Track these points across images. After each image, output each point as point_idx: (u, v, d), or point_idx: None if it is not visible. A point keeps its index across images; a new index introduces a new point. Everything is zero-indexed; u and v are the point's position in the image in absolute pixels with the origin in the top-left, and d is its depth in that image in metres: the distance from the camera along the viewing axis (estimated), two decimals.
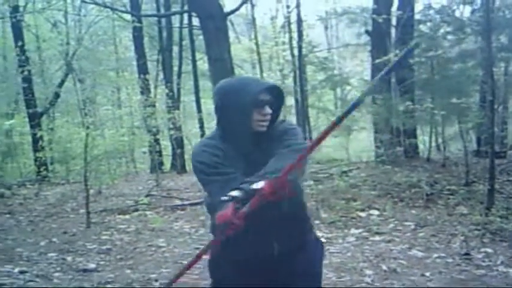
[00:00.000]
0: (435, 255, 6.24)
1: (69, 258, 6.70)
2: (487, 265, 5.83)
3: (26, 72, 16.23)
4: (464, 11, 14.76)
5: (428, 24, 12.91)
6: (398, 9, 12.67)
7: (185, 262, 6.30)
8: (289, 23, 18.44)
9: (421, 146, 13.63)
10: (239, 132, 2.57)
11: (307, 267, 2.75)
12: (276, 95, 2.62)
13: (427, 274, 5.56)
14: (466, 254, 6.19)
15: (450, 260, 6.03)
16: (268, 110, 2.56)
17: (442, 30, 12.57)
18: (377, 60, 11.54)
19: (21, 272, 5.95)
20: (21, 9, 16.88)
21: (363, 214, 8.41)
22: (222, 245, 2.61)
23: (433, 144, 13.57)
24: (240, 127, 2.56)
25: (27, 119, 17.18)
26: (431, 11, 13.34)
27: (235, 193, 2.27)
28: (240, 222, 2.24)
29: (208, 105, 20.12)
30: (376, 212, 8.46)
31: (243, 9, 18.09)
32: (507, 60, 13.03)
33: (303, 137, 2.70)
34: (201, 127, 18.44)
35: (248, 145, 2.59)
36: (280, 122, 2.70)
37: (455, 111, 10.38)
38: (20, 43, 16.17)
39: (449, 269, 5.73)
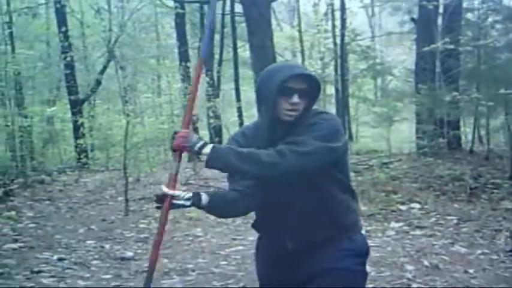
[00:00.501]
0: (479, 251, 6.04)
1: (107, 246, 6.71)
2: None
3: (68, 59, 16.35)
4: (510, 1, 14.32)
5: (476, 12, 12.59)
6: None
7: (222, 253, 6.31)
8: (333, 10, 18.20)
9: (463, 138, 13.33)
10: (267, 121, 2.43)
11: (329, 264, 2.44)
12: (311, 83, 2.42)
13: (471, 271, 5.37)
14: (511, 250, 5.98)
15: (495, 257, 5.82)
16: (295, 99, 2.36)
17: (490, 19, 12.24)
18: (425, 49, 11.25)
19: (60, 259, 5.99)
20: None
21: (403, 207, 8.23)
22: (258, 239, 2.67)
23: (476, 136, 13.27)
24: (267, 115, 2.42)
25: (68, 106, 17.36)
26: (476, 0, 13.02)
27: None
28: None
29: (248, 93, 20.08)
30: (417, 206, 8.27)
31: None
32: None
33: (334, 131, 2.37)
34: (240, 116, 18.39)
35: (274, 135, 2.42)
36: (317, 113, 2.47)
37: (502, 102, 10.07)
38: (63, 29, 16.28)
39: (493, 266, 5.53)
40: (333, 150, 2.32)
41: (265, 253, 2.62)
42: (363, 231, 2.64)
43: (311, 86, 2.42)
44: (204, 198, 2.39)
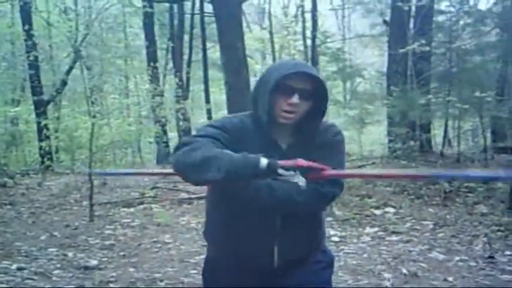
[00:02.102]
0: (457, 257, 5.88)
1: (70, 254, 6.37)
2: None
3: (32, 58, 15.88)
4: (479, 4, 14.43)
5: (448, 15, 12.59)
6: None
7: (192, 261, 6.04)
8: (303, 12, 18.08)
9: (433, 141, 13.33)
10: (263, 121, 2.17)
11: (310, 277, 2.37)
12: (315, 86, 2.16)
13: (450, 279, 5.20)
14: (490, 257, 5.82)
15: (473, 264, 5.66)
16: (294, 99, 2.11)
17: (461, 22, 12.26)
18: (400, 51, 11.16)
19: (19, 269, 5.63)
20: None
21: (378, 212, 8.07)
22: (222, 250, 2.35)
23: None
24: (263, 114, 2.16)
25: (33, 107, 16.90)
26: (448, 3, 13.03)
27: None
28: None
29: (217, 95, 19.89)
30: (392, 210, 8.12)
31: None
32: None
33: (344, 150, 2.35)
34: (209, 117, 18.14)
35: (273, 136, 2.21)
36: (330, 126, 2.31)
37: (474, 104, 10.02)
38: (27, 28, 15.82)
39: (473, 274, 5.36)
40: (342, 187, 2.25)
41: (233, 274, 2.34)
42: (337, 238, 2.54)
43: (315, 89, 2.17)
44: None
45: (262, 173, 1.94)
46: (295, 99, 2.12)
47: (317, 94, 2.18)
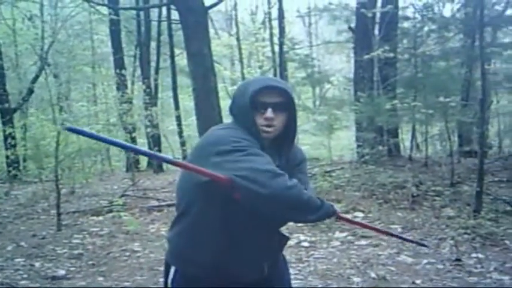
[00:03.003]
0: (425, 261, 5.95)
1: (37, 264, 6.29)
2: (480, 272, 5.55)
3: None
4: (444, 10, 14.64)
5: (412, 22, 12.76)
6: (383, 5, 12.41)
7: (161, 269, 5.99)
8: (270, 19, 18.15)
9: (401, 145, 13.47)
10: (255, 134, 2.20)
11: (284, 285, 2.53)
12: (285, 97, 2.22)
13: (418, 282, 5.27)
14: (457, 259, 5.91)
15: (441, 266, 5.74)
16: (269, 114, 2.17)
17: (426, 28, 12.43)
18: (365, 57, 11.27)
19: None
20: None
21: (347, 216, 8.10)
22: (203, 265, 2.25)
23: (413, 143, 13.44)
24: (251, 129, 2.20)
25: None
26: (412, 9, 13.21)
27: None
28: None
29: (186, 101, 19.80)
30: (361, 214, 8.19)
31: (222, 5, 17.75)
32: (489, 58, 12.92)
33: None
34: (179, 124, 18.06)
35: (267, 150, 2.20)
36: (298, 147, 2.49)
37: (440, 109, 10.16)
38: None
39: (440, 276, 5.44)
40: None
41: (216, 284, 2.29)
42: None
43: (287, 101, 2.23)
44: None
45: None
46: (269, 113, 2.18)
47: (290, 106, 2.25)
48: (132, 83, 19.03)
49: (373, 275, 5.48)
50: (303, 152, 2.50)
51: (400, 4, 13.55)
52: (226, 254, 2.23)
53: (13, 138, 13.93)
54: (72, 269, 6.10)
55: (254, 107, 2.19)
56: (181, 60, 19.88)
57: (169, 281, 2.37)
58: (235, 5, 20.51)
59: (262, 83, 2.20)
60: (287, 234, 2.50)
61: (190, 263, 2.29)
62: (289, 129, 2.29)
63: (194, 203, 2.25)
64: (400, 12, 13.50)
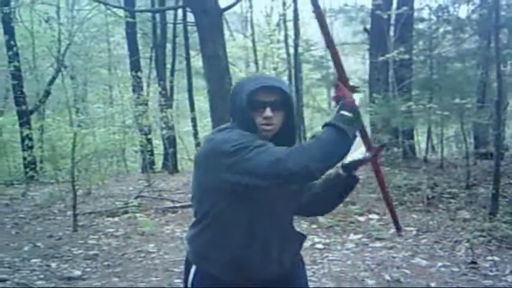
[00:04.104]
0: (439, 263, 5.93)
1: (53, 265, 6.34)
2: (495, 275, 5.53)
3: (12, 69, 15.82)
4: (460, 11, 14.55)
5: (427, 23, 12.69)
6: (398, 7, 12.36)
7: (176, 270, 6.02)
8: (285, 21, 18.14)
9: (416, 147, 13.40)
10: (253, 133, 2.22)
11: (304, 278, 2.56)
12: (283, 96, 2.23)
13: (433, 284, 5.26)
14: (472, 262, 5.89)
15: (456, 269, 5.72)
16: (268, 113, 2.19)
17: (441, 30, 12.36)
18: (380, 59, 11.23)
19: (2, 280, 5.60)
20: (12, 3, 16.52)
21: (362, 218, 8.11)
22: (222, 263, 2.27)
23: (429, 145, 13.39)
24: (250, 128, 2.22)
25: (16, 117, 16.82)
26: (427, 11, 13.14)
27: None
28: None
29: (202, 103, 19.88)
30: (376, 217, 8.17)
31: (237, 7, 17.77)
32: (505, 60, 12.81)
33: None
34: (194, 126, 18.14)
35: None
36: None
37: (456, 111, 10.10)
38: (8, 37, 15.75)
39: (455, 279, 5.42)
40: None
41: (236, 283, 2.30)
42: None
43: (284, 98, 2.24)
44: None
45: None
46: (268, 112, 2.19)
47: (288, 103, 2.27)
48: (148, 85, 19.12)
49: (387, 277, 5.47)
50: None
51: (416, 5, 13.49)
52: (247, 252, 2.25)
53: (30, 139, 14.06)
54: (87, 269, 6.15)
55: (252, 107, 2.20)
56: (197, 62, 19.97)
57: (189, 280, 2.39)
58: (251, 6, 20.51)
59: (259, 83, 2.22)
60: (304, 233, 2.56)
61: (211, 262, 2.30)
62: (288, 127, 2.29)
63: (216, 204, 2.25)
64: (416, 14, 13.43)
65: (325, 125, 2.07)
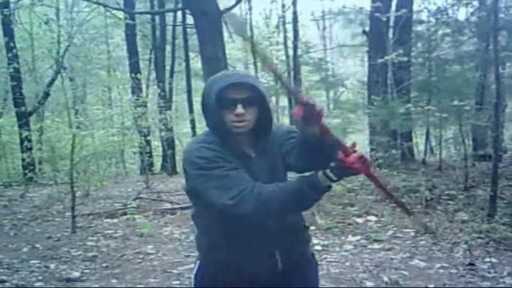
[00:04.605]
0: (438, 265, 5.93)
1: (52, 266, 6.35)
2: (493, 276, 5.53)
3: (11, 70, 15.82)
4: (458, 14, 14.58)
5: (426, 25, 12.72)
6: (397, 9, 12.40)
7: (175, 271, 6.04)
8: (284, 23, 18.17)
9: (414, 149, 13.42)
10: (221, 136, 2.26)
11: (310, 284, 2.52)
12: (254, 91, 2.22)
13: (431, 286, 5.26)
14: (470, 264, 5.89)
15: (454, 271, 5.72)
16: (239, 110, 2.18)
17: (440, 32, 12.39)
18: (379, 61, 11.25)
19: (0, 282, 5.62)
20: (12, 5, 16.52)
21: (360, 220, 8.11)
22: (219, 263, 2.37)
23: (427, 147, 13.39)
24: (218, 128, 2.26)
25: (16, 118, 16.83)
26: (426, 13, 13.16)
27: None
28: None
29: (200, 105, 19.88)
30: (374, 218, 8.17)
31: (236, 9, 17.79)
32: (504, 62, 12.83)
33: None
34: (193, 128, 18.16)
35: (239, 147, 2.29)
36: (279, 126, 2.42)
37: (454, 113, 10.12)
38: (7, 39, 15.76)
39: (453, 281, 5.42)
40: None
41: (235, 280, 2.37)
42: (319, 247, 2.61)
43: (255, 94, 2.22)
44: None
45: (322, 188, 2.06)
46: (239, 109, 2.19)
47: (259, 98, 2.25)
48: (147, 87, 19.14)
49: (385, 279, 5.48)
50: (282, 125, 2.49)
51: (414, 8, 13.52)
52: (237, 252, 2.31)
53: (29, 141, 14.06)
54: (86, 271, 6.15)
55: (222, 105, 2.20)
56: (196, 63, 19.99)
57: (193, 272, 2.52)
58: (250, 8, 20.51)
59: (227, 81, 2.20)
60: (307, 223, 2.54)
61: (210, 261, 2.42)
62: (263, 122, 2.29)
63: (195, 207, 2.42)
64: (414, 16, 13.46)
65: (305, 178, 2.08)
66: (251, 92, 2.21)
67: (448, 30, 12.44)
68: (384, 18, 11.56)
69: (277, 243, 2.33)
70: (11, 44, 15.80)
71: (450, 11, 13.59)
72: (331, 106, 23.34)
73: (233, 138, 2.27)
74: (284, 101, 17.28)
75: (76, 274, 5.96)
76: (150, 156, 16.90)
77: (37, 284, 5.62)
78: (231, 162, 2.18)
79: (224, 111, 2.21)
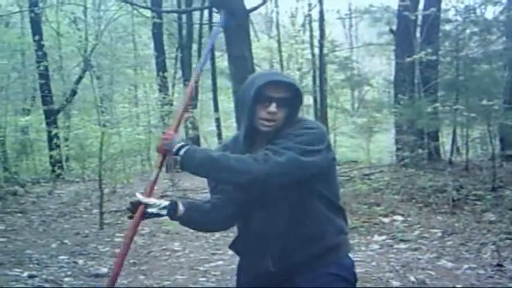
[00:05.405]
0: (465, 266, 5.90)
1: (80, 262, 6.44)
2: None
3: (42, 68, 16.03)
4: (487, 12, 14.43)
5: (454, 24, 12.60)
6: (425, 8, 12.30)
7: (201, 268, 6.08)
8: (310, 21, 18.13)
9: (441, 149, 13.31)
10: (245, 130, 2.29)
11: None
12: (291, 93, 2.25)
13: (458, 287, 5.23)
14: (499, 265, 5.84)
15: (482, 272, 5.68)
16: (272, 108, 2.20)
17: (468, 31, 12.27)
18: (407, 59, 11.18)
19: (30, 277, 5.70)
20: (40, 4, 16.74)
21: (386, 220, 8.09)
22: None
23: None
24: (244, 123, 2.28)
25: (43, 116, 17.05)
26: (454, 12, 13.04)
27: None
28: None
29: (226, 103, 19.95)
30: (400, 218, 8.13)
31: (262, 7, 17.82)
32: None
33: (312, 142, 2.20)
34: (218, 126, 18.22)
35: (251, 146, 2.29)
36: (299, 121, 2.31)
37: (483, 113, 10.01)
38: (37, 38, 15.95)
39: (481, 282, 5.39)
40: (305, 165, 2.15)
41: (248, 276, 2.46)
42: (350, 254, 2.43)
43: (291, 96, 2.25)
44: (181, 208, 2.27)
45: None
46: (272, 107, 2.21)
47: (294, 101, 2.27)
48: (173, 85, 19.25)
49: (412, 279, 5.46)
50: (303, 125, 2.27)
51: (442, 6, 13.40)
52: (239, 244, 2.47)
53: (58, 138, 14.25)
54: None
55: (258, 100, 2.22)
56: (221, 62, 20.06)
57: None
58: (277, 6, 20.54)
59: (269, 78, 2.24)
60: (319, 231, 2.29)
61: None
62: (287, 123, 2.28)
63: None
64: (442, 15, 13.35)
65: None
66: (288, 92, 2.24)
67: (476, 29, 12.31)
68: (413, 17, 11.49)
69: (268, 246, 2.29)
70: (41, 43, 15.98)
71: (478, 10, 13.48)
72: (356, 105, 23.28)
73: (252, 135, 2.30)
74: (309, 100, 17.24)
75: (104, 270, 6.04)
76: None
77: (66, 280, 5.70)
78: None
79: (258, 107, 2.23)
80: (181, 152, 2.19)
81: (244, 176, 2.12)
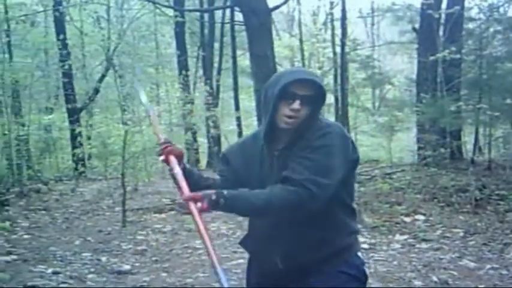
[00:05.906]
0: (488, 266, 5.85)
1: (103, 259, 6.50)
2: None
3: (66, 67, 16.20)
4: (510, 11, 14.29)
5: (478, 23, 12.51)
6: (448, 6, 12.22)
7: (223, 266, 6.09)
8: (332, 20, 18.11)
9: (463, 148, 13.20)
10: (266, 127, 2.28)
11: None
12: (315, 91, 2.24)
13: (481, 287, 5.19)
14: None
15: (505, 272, 5.63)
16: (296, 105, 2.19)
17: (491, 29, 12.18)
18: (430, 58, 11.11)
19: (55, 273, 5.77)
20: (64, 3, 16.93)
21: (408, 219, 8.04)
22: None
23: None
24: (266, 120, 2.27)
25: (66, 115, 17.23)
26: (477, 10, 12.95)
27: None
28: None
29: (247, 102, 20.00)
30: (422, 217, 8.08)
31: (283, 6, 17.82)
32: None
33: (333, 158, 2.19)
34: (239, 125, 18.26)
35: (272, 143, 2.31)
36: (322, 127, 2.26)
37: (506, 111, 9.93)
38: (61, 37, 16.12)
39: (504, 282, 5.34)
40: (325, 188, 2.15)
41: (257, 272, 2.49)
42: (359, 253, 2.41)
43: (315, 94, 2.25)
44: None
45: None
46: (296, 105, 2.20)
47: (317, 99, 2.26)
48: (195, 84, 19.33)
49: (434, 278, 5.43)
50: (328, 131, 2.24)
51: (465, 5, 13.30)
52: (249, 241, 2.51)
53: (81, 136, 14.40)
54: (136, 264, 6.28)
55: (282, 97, 2.21)
56: (243, 61, 20.10)
57: None
58: (299, 4, 20.54)
59: (295, 76, 2.23)
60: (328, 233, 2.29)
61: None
62: (308, 122, 2.26)
63: None
64: (465, 13, 13.25)
65: None
66: (312, 91, 2.23)
67: (499, 28, 12.20)
68: (436, 15, 11.41)
69: (275, 245, 2.30)
70: (65, 42, 16.15)
71: (502, 8, 13.35)
72: (377, 104, 23.18)
73: (276, 132, 2.29)
74: (330, 98, 17.20)
75: (127, 267, 6.09)
76: (196, 153, 17.07)
77: (89, 276, 5.76)
78: (245, 166, 2.41)
79: (281, 104, 2.23)
80: (221, 203, 2.14)
81: (268, 210, 2.17)
